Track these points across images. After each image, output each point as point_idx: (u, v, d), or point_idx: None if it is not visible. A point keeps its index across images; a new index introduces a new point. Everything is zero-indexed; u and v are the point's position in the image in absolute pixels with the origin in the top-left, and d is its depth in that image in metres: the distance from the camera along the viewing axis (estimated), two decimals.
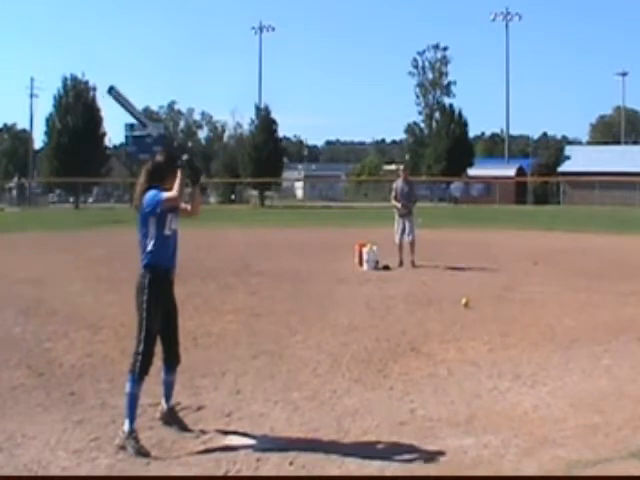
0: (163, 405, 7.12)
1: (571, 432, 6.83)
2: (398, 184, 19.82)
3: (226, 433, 6.89)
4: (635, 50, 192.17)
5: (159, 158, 6.88)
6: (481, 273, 17.77)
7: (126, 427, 6.51)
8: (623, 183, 68.24)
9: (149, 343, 6.63)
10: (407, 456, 6.25)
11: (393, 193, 19.87)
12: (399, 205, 19.56)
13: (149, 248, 6.71)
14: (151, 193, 6.63)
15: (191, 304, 12.78)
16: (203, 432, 6.91)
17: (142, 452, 6.38)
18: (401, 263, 19.29)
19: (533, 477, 5.84)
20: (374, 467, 6.06)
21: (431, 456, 6.23)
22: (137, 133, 71.14)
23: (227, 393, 8.21)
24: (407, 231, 19.28)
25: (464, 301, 13.89)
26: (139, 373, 6.58)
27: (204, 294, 14.61)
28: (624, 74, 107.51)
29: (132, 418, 6.54)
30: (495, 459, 6.17)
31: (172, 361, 6.95)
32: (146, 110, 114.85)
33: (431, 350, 10.16)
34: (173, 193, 6.58)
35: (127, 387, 6.61)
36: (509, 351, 10.15)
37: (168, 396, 7.10)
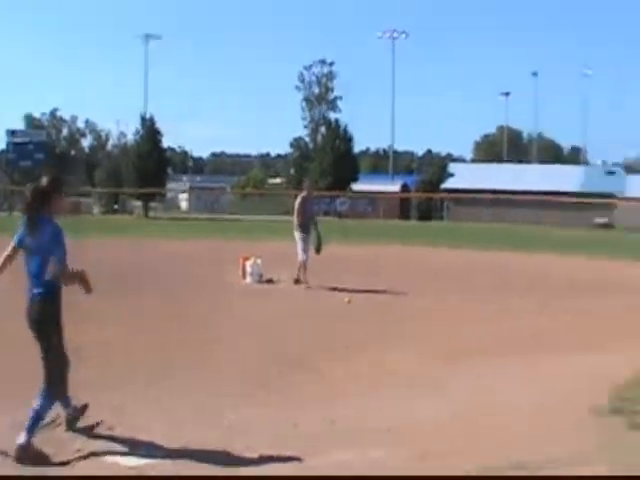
0: (63, 414, 7.19)
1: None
2: (304, 198, 18.85)
3: (107, 448, 6.76)
4: (518, 71, 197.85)
5: (44, 183, 6.79)
6: (368, 287, 17.83)
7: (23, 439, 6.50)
8: (505, 201, 69.92)
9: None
10: (290, 471, 6.22)
11: (299, 208, 18.63)
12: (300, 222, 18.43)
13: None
14: (62, 239, 6.70)
15: (71, 317, 12.51)
16: (83, 447, 6.76)
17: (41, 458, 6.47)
18: (301, 279, 18.32)
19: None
20: None
21: (313, 470, 6.20)
22: (18, 140, 69.61)
23: (108, 408, 8.04)
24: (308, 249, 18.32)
25: (347, 300, 14.62)
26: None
27: (85, 307, 14.29)
28: (507, 94, 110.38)
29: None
30: (380, 471, 6.18)
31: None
32: (27, 117, 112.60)
33: (316, 364, 10.17)
34: (62, 274, 6.72)
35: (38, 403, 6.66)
36: (397, 366, 10.21)
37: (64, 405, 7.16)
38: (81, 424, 7.21)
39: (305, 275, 18.30)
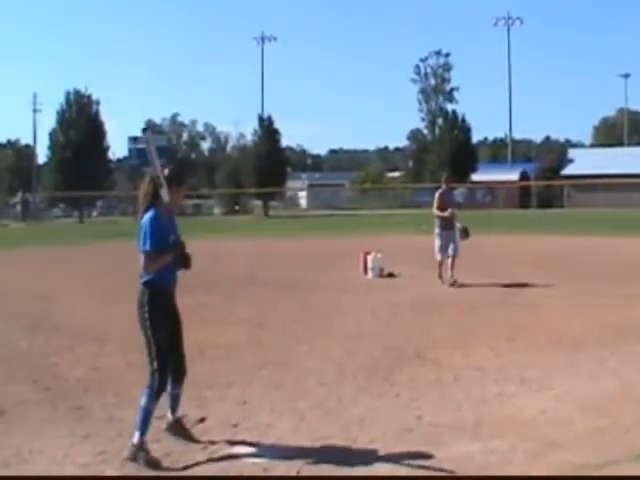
0: (169, 417, 7.08)
1: (578, 435, 6.81)
2: (442, 191, 18.00)
3: (233, 443, 6.88)
4: (637, 51, 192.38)
5: (165, 171, 6.66)
6: (485, 278, 17.70)
7: (136, 439, 6.48)
8: (627, 185, 68.19)
9: (161, 359, 6.60)
10: (414, 462, 6.23)
11: (437, 203, 17.75)
12: (446, 214, 17.52)
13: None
14: (148, 227, 6.54)
15: (197, 315, 12.74)
16: (210, 443, 6.89)
17: (153, 463, 6.39)
18: (441, 277, 17.48)
19: (537, 477, 5.84)
20: (382, 474, 6.05)
21: (438, 462, 6.21)
22: (140, 145, 71.41)
23: (233, 404, 8.19)
24: (452, 246, 17.43)
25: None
26: (157, 390, 6.58)
27: (210, 305, 14.63)
28: (627, 75, 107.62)
29: (143, 431, 6.50)
30: (502, 464, 6.16)
31: (178, 374, 6.89)
32: (149, 122, 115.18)
33: (437, 356, 10.14)
34: (151, 265, 6.56)
35: (143, 401, 6.55)
36: (515, 355, 10.12)
37: (174, 408, 7.06)
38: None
39: (444, 272, 17.43)
